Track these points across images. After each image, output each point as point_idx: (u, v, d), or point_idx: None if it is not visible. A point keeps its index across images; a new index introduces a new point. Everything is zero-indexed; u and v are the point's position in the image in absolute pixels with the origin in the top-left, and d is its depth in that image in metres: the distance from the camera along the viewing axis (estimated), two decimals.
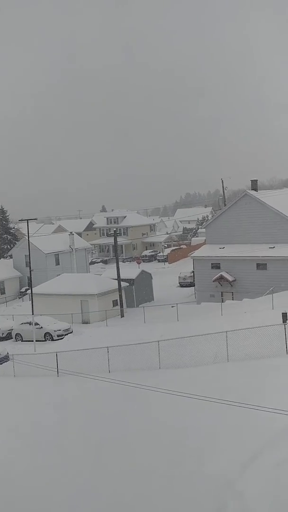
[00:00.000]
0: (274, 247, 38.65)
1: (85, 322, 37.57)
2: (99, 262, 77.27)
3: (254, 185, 42.36)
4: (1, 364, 24.38)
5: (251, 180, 42.71)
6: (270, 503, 9.27)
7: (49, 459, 13.12)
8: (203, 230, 52.18)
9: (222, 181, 54.49)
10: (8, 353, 25.40)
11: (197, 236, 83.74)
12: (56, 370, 20.80)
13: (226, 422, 12.85)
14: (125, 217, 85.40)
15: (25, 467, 12.88)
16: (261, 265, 38.61)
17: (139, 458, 12.21)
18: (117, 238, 41.89)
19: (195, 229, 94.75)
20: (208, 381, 16.57)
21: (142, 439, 13.28)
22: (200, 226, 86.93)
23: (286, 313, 20.11)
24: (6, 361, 24.43)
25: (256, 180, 42.78)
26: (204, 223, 52.54)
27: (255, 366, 17.71)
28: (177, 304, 34.60)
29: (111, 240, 64.16)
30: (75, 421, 15.71)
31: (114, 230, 43.43)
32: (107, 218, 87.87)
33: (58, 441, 14.22)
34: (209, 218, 61.32)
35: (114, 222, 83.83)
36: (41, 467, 12.79)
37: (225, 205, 49.01)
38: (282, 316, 20.13)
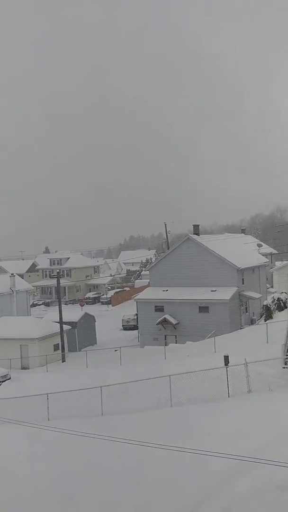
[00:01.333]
0: (215, 290, 39.45)
1: (25, 367, 36.21)
2: (41, 305, 75.60)
3: (196, 230, 43.56)
4: None
5: (193, 225, 43.94)
6: None
7: None
8: (147, 272, 52.60)
9: (166, 225, 55.68)
10: None
11: (140, 279, 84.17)
12: None
13: (167, 469, 12.55)
14: (68, 258, 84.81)
15: None
16: (203, 308, 39.17)
17: (72, 504, 11.61)
18: (60, 280, 41.29)
19: (138, 271, 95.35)
20: (150, 426, 16.27)
21: (79, 485, 12.70)
22: (143, 269, 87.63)
23: (227, 356, 20.33)
24: None
25: (198, 225, 44.07)
26: (147, 266, 53.01)
27: (198, 410, 17.62)
28: (120, 347, 34.21)
29: (54, 281, 63.26)
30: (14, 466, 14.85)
31: (57, 272, 42.84)
32: (50, 260, 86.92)
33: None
34: (153, 261, 62.03)
35: (57, 264, 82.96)
36: None
37: (168, 248, 49.88)
38: (224, 359, 20.33)
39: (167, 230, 55.87)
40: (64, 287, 74.20)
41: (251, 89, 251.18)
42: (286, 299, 39.30)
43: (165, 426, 15.98)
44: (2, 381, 30.12)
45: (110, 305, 69.99)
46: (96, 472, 13.64)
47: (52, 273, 63.94)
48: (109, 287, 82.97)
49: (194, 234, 42.96)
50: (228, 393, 18.84)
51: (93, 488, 12.81)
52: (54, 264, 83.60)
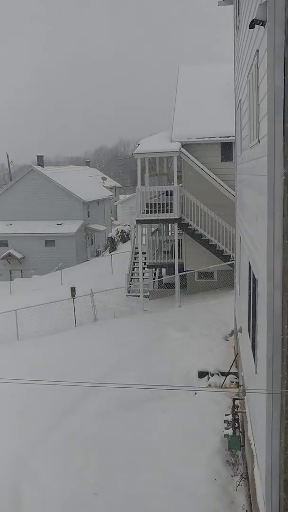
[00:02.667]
0: (62, 223, 39.31)
1: None
2: None
3: (40, 161, 42.17)
4: None
5: (37, 156, 42.39)
6: (60, 474, 9.54)
7: None
8: None
9: (7, 154, 52.75)
10: None
11: None
12: None
13: (18, 401, 12.71)
14: None
15: None
16: (49, 242, 38.93)
17: None
18: None
19: None
20: None
21: None
22: None
23: (74, 288, 20.73)
24: None
25: (42, 156, 42.63)
26: None
27: (47, 341, 17.88)
28: None
29: None
30: None
31: None
32: None
33: None
34: None
35: None
36: None
37: (11, 180, 47.62)
38: (71, 290, 20.70)
39: (9, 161, 53.09)
40: None
41: None
42: (129, 231, 40.96)
43: (13, 360, 15.95)
44: None
45: None
46: None
47: None
48: None
49: (38, 165, 41.56)
50: (75, 323, 19.38)
51: None
52: None
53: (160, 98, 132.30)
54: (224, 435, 8.90)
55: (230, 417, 8.98)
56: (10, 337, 19.18)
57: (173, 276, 20.29)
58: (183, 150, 19.76)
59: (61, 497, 8.84)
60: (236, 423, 8.79)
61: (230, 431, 8.74)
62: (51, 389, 11.26)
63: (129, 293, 22.70)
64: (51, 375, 12.51)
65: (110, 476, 9.08)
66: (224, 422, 9.22)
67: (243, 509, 7.65)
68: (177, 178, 20.40)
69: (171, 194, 20.22)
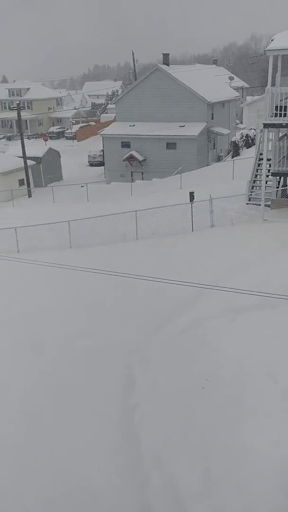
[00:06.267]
0: (184, 126, 38.40)
1: None
2: (1, 139, 72.54)
3: (166, 59, 40.61)
4: None
5: (163, 54, 40.81)
6: (173, 365, 10.19)
7: None
8: (113, 106, 50.07)
9: (133, 53, 51.53)
10: None
11: (106, 113, 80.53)
12: None
13: (134, 295, 13.51)
14: (29, 89, 79.16)
15: None
16: (170, 145, 38.52)
17: (46, 330, 12.63)
18: (21, 113, 39.03)
19: (104, 104, 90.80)
20: (117, 258, 17.05)
21: (49, 312, 13.67)
22: (109, 102, 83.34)
23: (193, 192, 20.62)
24: None
25: (168, 54, 40.95)
26: (113, 99, 50.21)
27: (163, 242, 18.40)
28: (86, 184, 34.09)
29: (14, 114, 59.75)
30: None
31: (17, 103, 40.23)
32: (9, 90, 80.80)
33: None
34: (119, 93, 58.67)
35: (17, 95, 77.59)
36: None
37: (135, 79, 46.86)
38: (190, 195, 20.63)
39: (135, 59, 51.92)
40: (26, 121, 70.58)
41: None
42: (255, 135, 38.80)
43: (131, 257, 16.76)
44: None
45: (75, 140, 67.85)
46: (66, 298, 14.56)
47: (12, 104, 60.01)
48: (74, 121, 79.48)
49: (163, 64, 40.13)
50: (192, 227, 19.54)
51: (63, 312, 13.78)
52: (13, 95, 78.12)
53: None
54: None
55: None
56: (130, 236, 20.01)
57: None
58: None
59: (170, 386, 9.53)
60: None
61: None
62: (169, 287, 11.72)
63: (249, 201, 22.06)
64: (162, 273, 12.95)
65: (218, 375, 9.48)
66: None
67: None
68: None
69: None
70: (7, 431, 9.26)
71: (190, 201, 20.35)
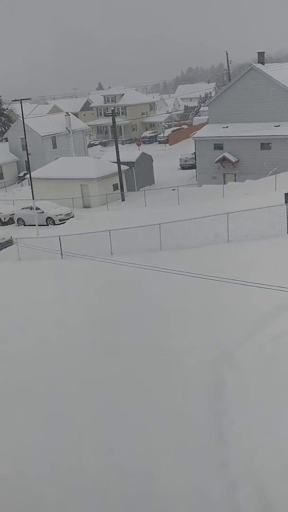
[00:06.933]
0: (279, 125, 37.23)
1: (86, 206, 37.54)
2: (97, 145, 75.16)
3: (261, 58, 39.61)
4: (5, 248, 24.79)
5: (258, 53, 39.83)
6: (266, 373, 9.90)
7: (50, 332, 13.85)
8: (206, 108, 49.84)
9: (227, 53, 50.97)
10: (11, 237, 25.72)
11: (199, 115, 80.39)
12: (60, 253, 21.18)
13: (225, 299, 13.32)
14: (123, 94, 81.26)
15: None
16: (265, 145, 37.52)
17: (136, 332, 12.84)
18: (116, 118, 40.18)
19: (197, 107, 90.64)
20: (208, 260, 16.90)
21: (139, 316, 13.88)
22: (202, 104, 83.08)
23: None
24: (10, 245, 24.82)
25: (263, 52, 39.90)
26: (206, 101, 49.98)
27: (255, 246, 17.94)
28: (178, 187, 34.23)
29: (109, 120, 61.78)
30: (83, 294, 16.35)
31: (112, 110, 41.48)
32: (104, 97, 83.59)
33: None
34: (212, 95, 58.30)
35: (112, 101, 79.97)
36: (43, 339, 13.51)
37: (229, 80, 46.28)
38: (285, 196, 19.96)
39: (229, 60, 51.31)
40: (120, 126, 72.54)
41: None
42: None
43: (222, 260, 16.53)
44: (67, 219, 31.61)
45: (167, 144, 68.48)
46: (155, 301, 14.72)
47: (107, 111, 61.97)
48: (166, 125, 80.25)
49: (258, 63, 39.20)
50: (287, 230, 18.85)
51: (154, 315, 13.95)
52: (108, 101, 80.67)
53: None
54: None
55: None
56: (221, 238, 19.76)
57: None
58: None
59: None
60: None
61: None
62: (261, 292, 11.42)
63: None
64: (254, 277, 12.62)
65: None
66: None
67: None
68: None
69: None
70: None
71: (286, 203, 19.66)
